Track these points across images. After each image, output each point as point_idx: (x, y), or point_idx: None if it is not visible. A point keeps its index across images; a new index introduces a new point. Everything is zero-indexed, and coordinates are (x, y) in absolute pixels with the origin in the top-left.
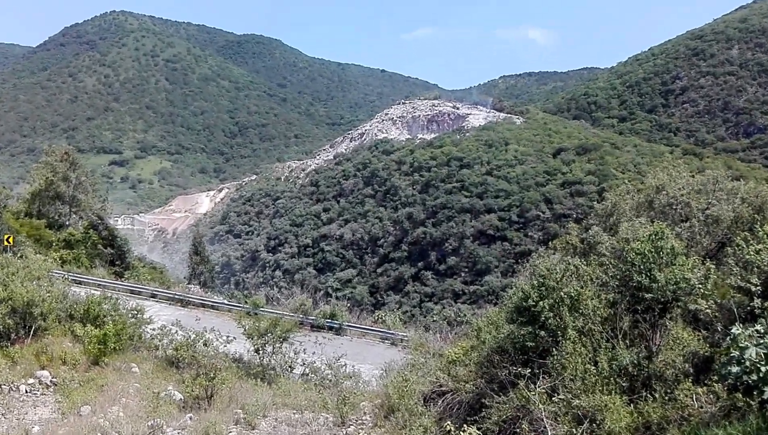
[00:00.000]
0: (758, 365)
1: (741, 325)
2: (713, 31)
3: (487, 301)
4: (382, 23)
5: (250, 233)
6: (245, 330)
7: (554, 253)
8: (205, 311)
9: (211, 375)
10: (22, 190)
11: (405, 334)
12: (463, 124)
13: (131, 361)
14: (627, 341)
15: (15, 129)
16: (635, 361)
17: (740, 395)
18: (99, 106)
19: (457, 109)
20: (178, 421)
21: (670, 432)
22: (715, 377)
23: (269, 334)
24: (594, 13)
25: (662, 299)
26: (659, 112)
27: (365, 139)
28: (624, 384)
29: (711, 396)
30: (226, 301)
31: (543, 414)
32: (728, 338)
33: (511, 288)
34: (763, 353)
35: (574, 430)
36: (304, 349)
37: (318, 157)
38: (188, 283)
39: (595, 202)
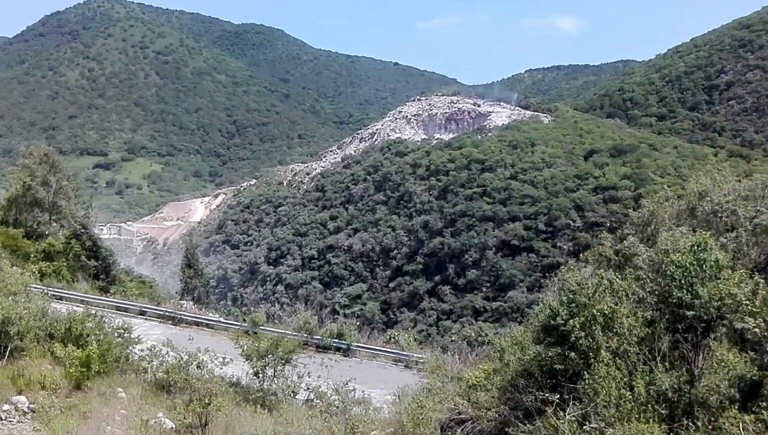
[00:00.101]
0: None
1: None
2: (762, 20)
3: (511, 319)
4: (396, 11)
5: (249, 244)
6: (243, 351)
7: (586, 266)
8: (199, 330)
9: (206, 401)
10: None
11: (420, 356)
12: (485, 123)
13: (117, 386)
14: (666, 364)
15: None
16: (675, 386)
17: None
18: (82, 102)
19: (478, 106)
20: None
21: None
22: (764, 404)
23: (270, 356)
24: (630, 0)
25: (705, 317)
26: (702, 110)
27: (376, 140)
28: (663, 411)
29: (759, 425)
30: (222, 319)
31: None
32: None
33: (538, 305)
34: None
35: None
36: (309, 373)
37: (324, 160)
38: (180, 299)
39: (630, 210)
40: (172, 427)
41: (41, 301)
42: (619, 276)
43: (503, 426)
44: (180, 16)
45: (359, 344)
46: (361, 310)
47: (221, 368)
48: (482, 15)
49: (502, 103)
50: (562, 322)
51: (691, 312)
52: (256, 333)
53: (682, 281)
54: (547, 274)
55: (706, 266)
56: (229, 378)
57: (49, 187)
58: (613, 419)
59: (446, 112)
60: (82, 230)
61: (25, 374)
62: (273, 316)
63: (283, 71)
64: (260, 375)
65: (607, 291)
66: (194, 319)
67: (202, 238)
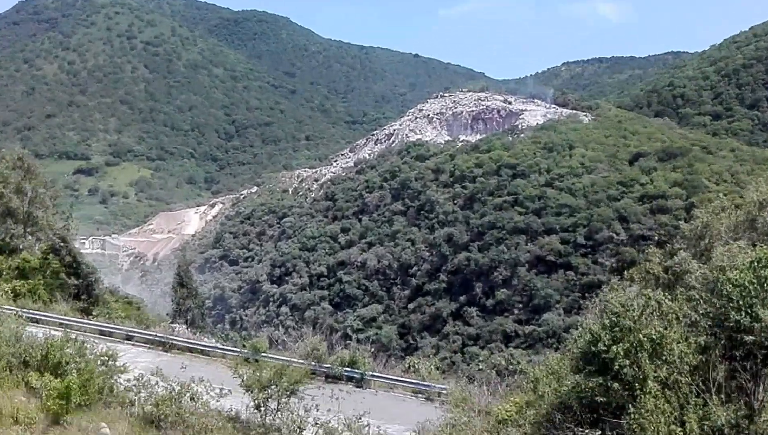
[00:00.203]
0: None
1: None
2: None
3: (546, 345)
4: None
5: (250, 259)
6: (243, 381)
7: (631, 285)
8: (192, 357)
9: None
10: None
11: (443, 387)
12: (517, 123)
13: (100, 420)
14: (722, 396)
15: None
16: (733, 421)
17: None
18: (61, 100)
19: (509, 103)
20: None
21: None
22: None
23: (273, 387)
24: None
25: (767, 343)
26: (763, 108)
27: (394, 142)
28: None
29: None
30: (219, 345)
31: None
32: None
33: (577, 329)
34: None
35: None
36: (317, 406)
37: (335, 164)
38: (172, 322)
39: (682, 221)
40: None
41: (14, 325)
42: (669, 296)
43: None
44: (172, 2)
45: (374, 373)
46: (377, 334)
47: (218, 401)
48: (513, 0)
49: (536, 100)
50: (605, 348)
51: (751, 337)
52: (257, 361)
53: (741, 302)
54: (586, 295)
55: (767, 285)
56: (226, 412)
57: (23, 195)
58: None
59: (473, 111)
60: (62, 244)
61: None
62: (277, 341)
63: (288, 64)
64: (262, 408)
65: (655, 313)
66: (187, 345)
67: (196, 253)
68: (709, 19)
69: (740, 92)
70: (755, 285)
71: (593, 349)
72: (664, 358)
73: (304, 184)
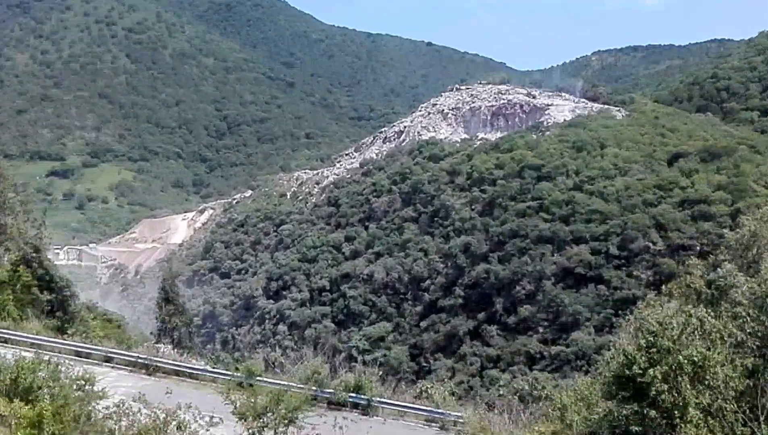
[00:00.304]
0: None
1: None
2: None
3: (574, 368)
4: None
5: (244, 272)
6: (236, 408)
7: (669, 301)
8: (179, 381)
9: None
10: None
11: (459, 415)
12: (542, 119)
13: None
14: None
15: None
16: None
17: None
18: (33, 93)
19: (533, 97)
20: None
21: None
22: None
23: (269, 414)
24: None
25: None
26: None
27: (404, 140)
28: None
29: None
30: (209, 368)
31: None
32: None
33: (609, 350)
34: None
35: None
36: None
37: (338, 166)
38: (156, 342)
39: (726, 230)
40: None
41: None
42: (713, 313)
43: None
44: None
45: (382, 399)
46: (385, 356)
47: (208, 430)
48: None
49: (563, 94)
50: (640, 371)
51: None
52: (251, 385)
53: None
54: (620, 311)
55: None
56: None
57: None
58: None
59: (492, 105)
60: (33, 254)
61: None
62: (273, 363)
63: (286, 54)
64: None
65: (696, 332)
66: (174, 368)
67: (184, 265)
68: (758, 3)
69: None
70: None
71: (628, 372)
72: (706, 382)
73: (303, 188)
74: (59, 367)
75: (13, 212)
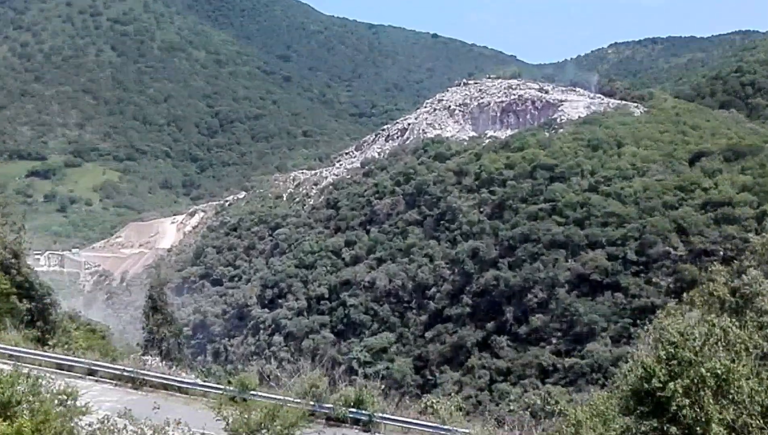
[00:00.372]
0: None
1: None
2: None
3: (590, 381)
4: None
5: (237, 279)
6: (228, 424)
7: (691, 310)
8: (168, 395)
9: None
10: None
11: (467, 431)
12: (555, 116)
13: None
14: None
15: None
16: None
17: None
18: (12, 88)
19: (546, 92)
20: None
21: None
22: None
23: (264, 431)
24: None
25: None
26: None
27: (408, 138)
28: None
29: None
30: (199, 381)
31: None
32: None
33: (627, 362)
34: None
35: None
36: None
37: (338, 165)
38: (143, 354)
39: (752, 234)
40: None
41: None
42: (737, 323)
43: None
44: None
45: (385, 415)
46: (388, 368)
47: None
48: None
49: (577, 89)
50: (660, 385)
51: None
52: (245, 400)
53: None
54: (638, 321)
55: None
56: None
57: None
58: None
59: (502, 101)
60: (12, 260)
61: None
62: (268, 376)
63: (282, 46)
64: None
65: (720, 344)
66: (162, 381)
67: (172, 272)
68: None
69: None
70: None
71: (646, 386)
72: (731, 397)
73: (301, 189)
74: (39, 380)
75: None
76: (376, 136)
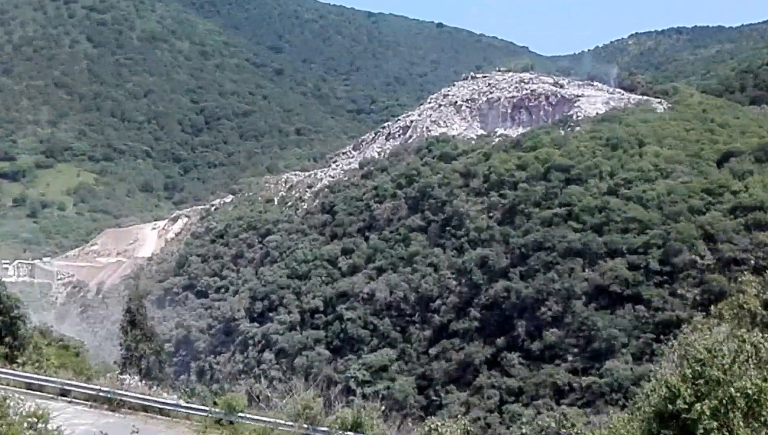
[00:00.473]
0: None
1: None
2: None
3: (609, 401)
4: None
5: (223, 290)
6: None
7: (720, 324)
8: (148, 418)
9: None
10: None
11: None
12: (571, 112)
13: None
14: None
15: None
16: None
17: None
18: None
19: (561, 87)
20: None
21: None
22: None
23: None
24: None
25: None
26: None
27: (411, 137)
28: None
29: None
30: (182, 402)
31: None
32: None
33: (650, 381)
34: None
35: None
36: None
37: (334, 166)
38: (121, 373)
39: None
40: None
41: None
42: None
43: None
44: None
45: None
46: (389, 388)
47: None
48: None
49: (595, 83)
50: (686, 406)
51: None
52: (232, 423)
53: None
54: (662, 336)
55: None
56: None
57: None
58: None
59: (514, 97)
60: None
61: None
62: (258, 397)
63: (274, 37)
64: None
65: (751, 361)
66: (141, 402)
67: (153, 282)
68: None
69: None
70: None
71: (671, 407)
72: (762, 419)
73: (293, 192)
74: (7, 401)
75: None
76: (375, 134)
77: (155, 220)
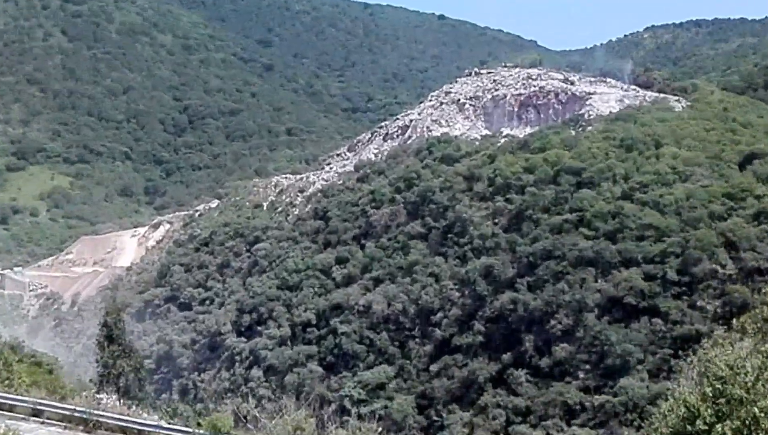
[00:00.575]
0: None
1: None
2: None
3: (623, 422)
4: None
5: (208, 302)
6: None
7: (742, 339)
8: None
9: None
10: None
11: None
12: (582, 111)
13: None
14: None
15: None
16: None
17: None
18: None
19: (572, 84)
20: None
21: None
22: None
23: None
24: None
25: None
26: None
27: (410, 137)
28: None
29: None
30: (163, 423)
31: None
32: None
33: (667, 400)
34: None
35: None
36: None
37: (327, 169)
38: (98, 391)
39: None
40: None
41: None
42: None
43: None
44: None
45: None
46: (386, 407)
47: None
48: None
49: (608, 80)
50: (706, 427)
51: None
52: None
53: None
54: (680, 352)
55: None
56: None
57: None
58: None
59: (521, 94)
60: None
61: None
62: (245, 417)
63: (263, 30)
64: None
65: None
66: (119, 423)
67: (132, 294)
68: None
69: None
70: None
71: (690, 428)
72: None
73: (284, 197)
74: None
75: None
76: (372, 134)
77: (135, 226)
